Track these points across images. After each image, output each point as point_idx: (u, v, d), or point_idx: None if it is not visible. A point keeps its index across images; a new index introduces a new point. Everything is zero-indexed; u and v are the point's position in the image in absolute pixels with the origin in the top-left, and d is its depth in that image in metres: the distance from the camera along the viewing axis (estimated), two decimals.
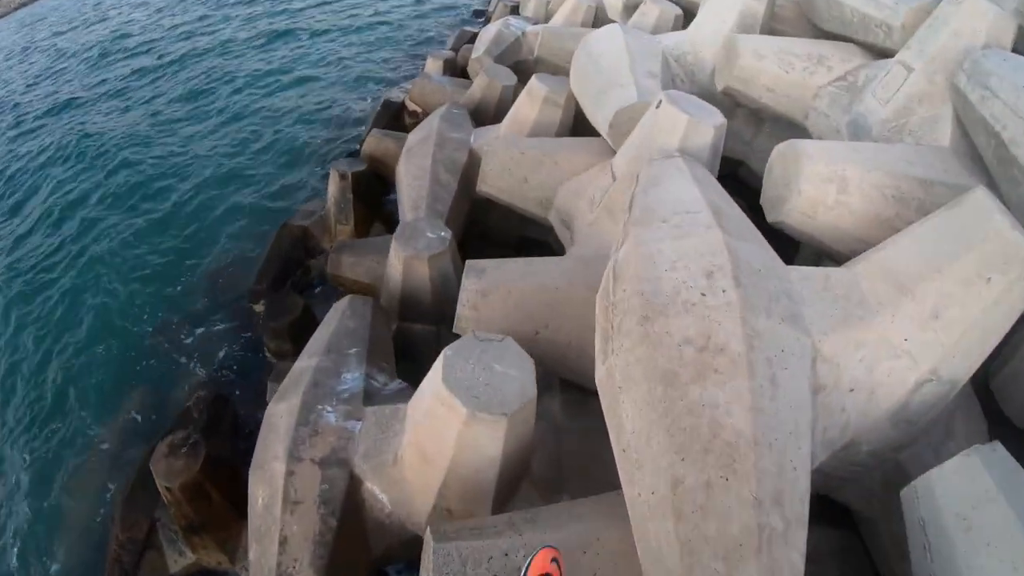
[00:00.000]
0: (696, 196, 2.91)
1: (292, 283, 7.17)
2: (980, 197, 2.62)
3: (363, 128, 8.71)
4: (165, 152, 9.21)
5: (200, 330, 6.78)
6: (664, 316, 2.40)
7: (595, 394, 2.69)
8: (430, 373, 2.97)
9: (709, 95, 4.97)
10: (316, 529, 3.05)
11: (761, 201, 3.55)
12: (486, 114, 6.65)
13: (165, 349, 6.74)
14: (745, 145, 5.08)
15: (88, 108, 10.98)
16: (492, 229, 5.88)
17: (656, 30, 6.02)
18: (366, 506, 3.21)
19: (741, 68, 4.27)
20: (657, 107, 3.79)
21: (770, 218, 3.40)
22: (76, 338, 6.80)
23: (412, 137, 5.88)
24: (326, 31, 13.15)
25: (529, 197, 4.86)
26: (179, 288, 7.15)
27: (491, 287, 3.61)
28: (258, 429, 3.77)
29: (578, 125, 5.55)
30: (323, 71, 10.90)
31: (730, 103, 4.78)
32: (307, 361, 3.89)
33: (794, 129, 4.57)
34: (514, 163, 4.77)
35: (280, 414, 3.45)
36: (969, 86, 3.27)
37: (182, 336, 6.76)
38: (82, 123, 10.41)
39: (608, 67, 4.53)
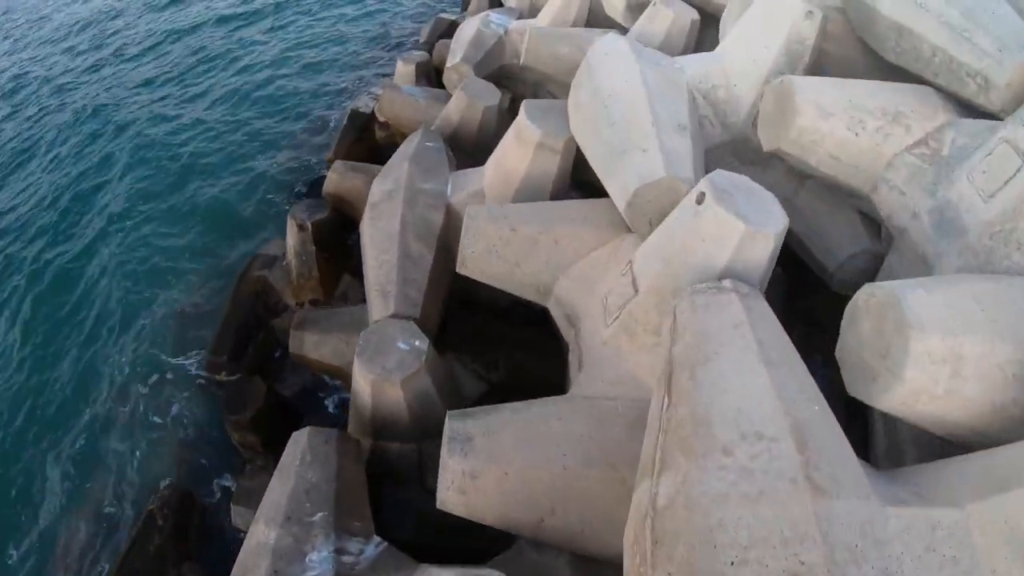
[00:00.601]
0: (772, 404, 1.94)
1: (255, 348, 6.23)
2: None
3: (329, 145, 7.53)
4: (88, 169, 8.03)
5: (155, 405, 5.88)
6: None
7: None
8: None
9: (743, 140, 3.90)
10: None
11: (842, 366, 2.56)
12: (466, 140, 5.52)
13: (119, 425, 5.89)
14: (784, 202, 4.02)
15: None
16: (479, 295, 4.89)
17: (668, 39, 4.84)
18: None
19: (800, 130, 3.17)
20: (698, 202, 2.76)
21: (854, 391, 2.44)
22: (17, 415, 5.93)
23: (377, 187, 4.79)
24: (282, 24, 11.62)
25: (523, 283, 3.84)
26: (124, 357, 6.19)
27: (481, 468, 2.68)
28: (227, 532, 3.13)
29: (580, 167, 4.47)
30: (281, 71, 9.49)
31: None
32: (263, 535, 3.05)
33: (851, 196, 3.59)
34: (503, 243, 3.74)
35: None
36: None
37: (135, 412, 5.88)
38: None
39: (623, 118, 3.42)
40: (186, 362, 6.16)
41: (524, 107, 4.27)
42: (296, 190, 7.12)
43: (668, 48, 4.85)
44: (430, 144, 5.09)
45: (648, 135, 3.29)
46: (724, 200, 2.70)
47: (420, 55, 6.99)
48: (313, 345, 4.99)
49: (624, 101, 3.51)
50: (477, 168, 4.63)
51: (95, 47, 11.66)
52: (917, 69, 3.48)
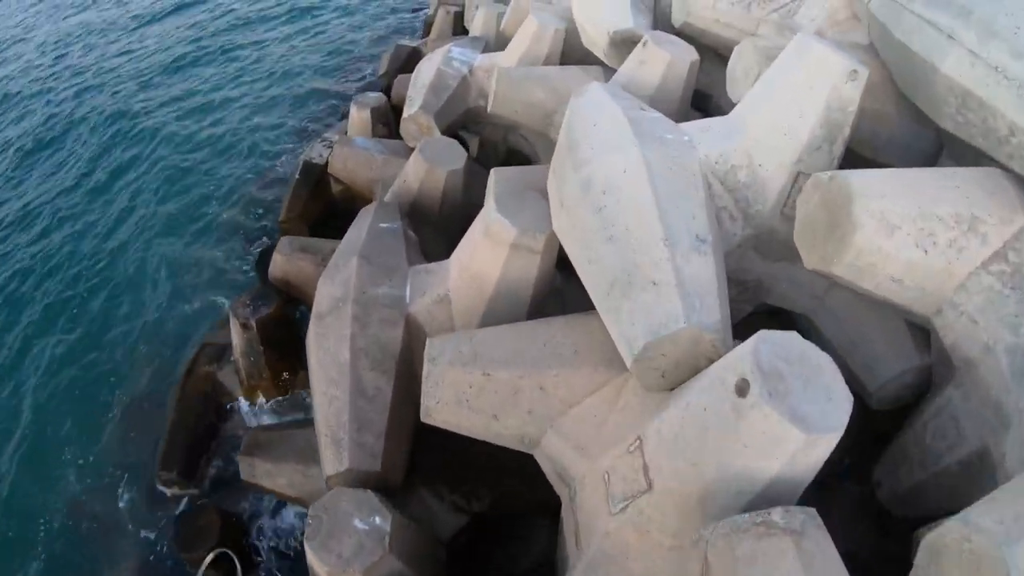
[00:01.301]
0: None
1: (207, 459, 5.35)
2: None
3: (277, 204, 6.57)
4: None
5: (100, 531, 5.02)
6: None
7: None
8: None
9: (769, 232, 3.02)
10: None
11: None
12: (429, 209, 4.60)
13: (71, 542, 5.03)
14: (814, 300, 3.18)
15: None
16: None
17: (664, 87, 3.92)
18: None
19: (859, 251, 2.30)
20: (739, 394, 1.90)
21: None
22: None
23: (323, 289, 3.88)
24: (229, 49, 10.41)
25: (504, 435, 2.97)
26: (67, 470, 5.31)
27: None
28: None
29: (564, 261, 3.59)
30: (228, 110, 8.43)
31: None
32: None
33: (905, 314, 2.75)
34: (475, 392, 2.86)
35: None
36: None
37: (79, 541, 5.02)
38: None
39: (624, 231, 2.51)
40: (133, 475, 5.30)
41: (492, 189, 3.36)
42: (244, 266, 6.15)
43: (663, 98, 3.93)
44: (385, 226, 4.17)
45: (659, 260, 2.41)
46: (775, 394, 1.86)
47: (375, 98, 6.01)
48: (266, 474, 4.15)
49: (624, 204, 2.61)
50: (441, 264, 3.73)
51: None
52: (984, 147, 2.63)
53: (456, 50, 5.62)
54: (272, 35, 10.86)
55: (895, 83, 3.29)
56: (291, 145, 7.55)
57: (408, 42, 8.10)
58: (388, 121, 6.04)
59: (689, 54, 3.94)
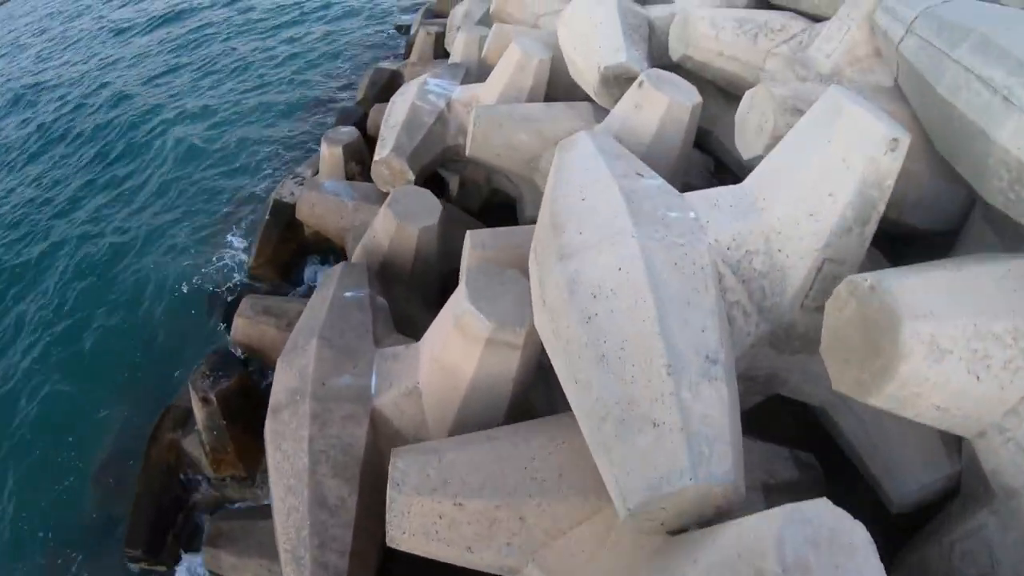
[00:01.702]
0: None
1: (174, 534, 4.90)
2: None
3: (247, 246, 6.09)
4: None
5: None
6: None
7: None
8: None
9: (787, 326, 2.54)
10: None
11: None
12: (400, 269, 4.12)
13: None
14: (834, 395, 2.68)
15: None
16: None
17: (662, 133, 3.43)
18: None
19: (904, 382, 1.76)
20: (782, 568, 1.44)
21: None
22: None
23: (280, 378, 3.38)
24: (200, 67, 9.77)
25: (481, 566, 2.53)
26: (21, 550, 4.86)
27: None
28: None
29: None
30: (196, 136, 7.92)
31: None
32: None
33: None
34: (445, 524, 2.40)
35: None
36: None
37: None
38: None
39: (620, 353, 2.02)
40: (100, 550, 4.87)
41: (465, 270, 2.89)
42: (210, 320, 5.66)
43: (661, 146, 3.45)
44: (350, 295, 3.69)
45: (661, 394, 1.94)
46: (808, 567, 1.40)
47: (347, 134, 5.51)
48: (231, 567, 3.74)
49: (619, 316, 2.13)
50: (411, 348, 3.26)
51: None
52: None
53: (433, 82, 5.12)
54: (250, 50, 10.30)
55: (926, 134, 2.83)
56: (263, 178, 7.01)
57: (388, 65, 7.58)
58: (363, 158, 5.55)
59: (691, 97, 3.45)
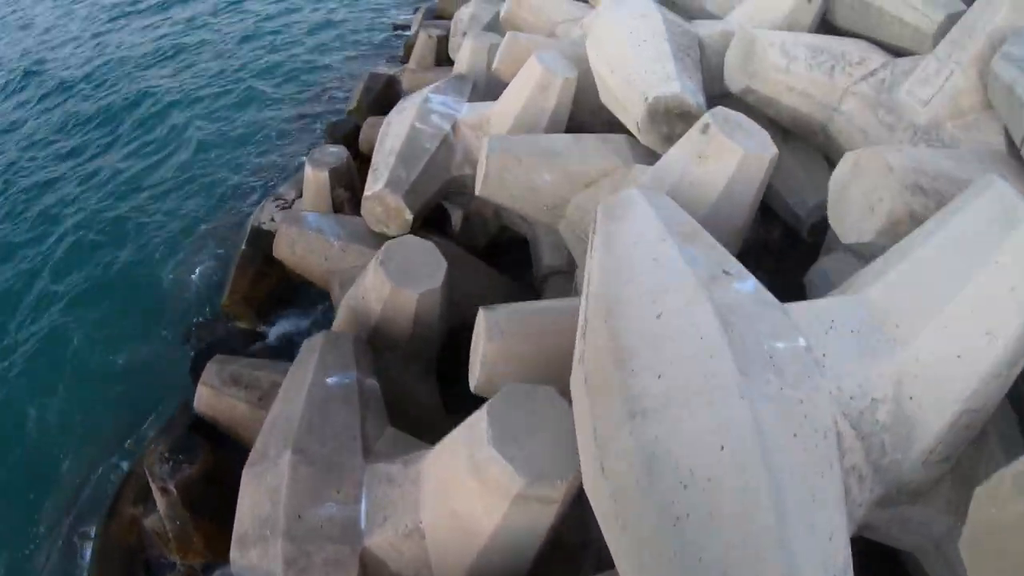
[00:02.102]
0: None
1: None
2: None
3: (221, 277, 5.25)
4: None
5: None
6: None
7: None
8: None
9: (899, 485, 1.81)
10: None
11: None
12: (398, 336, 3.34)
13: None
14: (928, 542, 2.02)
15: None
16: None
17: (731, 189, 2.66)
18: None
19: None
20: None
21: None
22: None
23: (247, 494, 2.64)
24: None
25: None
26: None
27: None
28: None
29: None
30: (170, 155, 6.93)
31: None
32: None
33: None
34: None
35: None
36: None
37: None
38: None
39: (718, 552, 1.30)
40: None
41: (486, 413, 2.12)
42: (176, 366, 4.80)
43: (728, 205, 2.70)
44: (333, 382, 2.92)
45: None
46: None
47: (335, 156, 4.69)
48: None
49: (723, 523, 1.40)
50: (410, 465, 2.51)
51: None
52: None
53: (435, 98, 4.31)
54: (234, 42, 9.32)
55: None
56: (240, 195, 6.11)
57: (384, 69, 6.72)
58: (352, 182, 4.74)
59: (766, 146, 2.70)
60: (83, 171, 6.89)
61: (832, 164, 3.69)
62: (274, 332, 4.94)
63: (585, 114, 4.22)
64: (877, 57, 3.25)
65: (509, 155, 3.37)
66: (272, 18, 10.39)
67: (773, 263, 3.83)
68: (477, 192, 3.49)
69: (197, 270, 5.39)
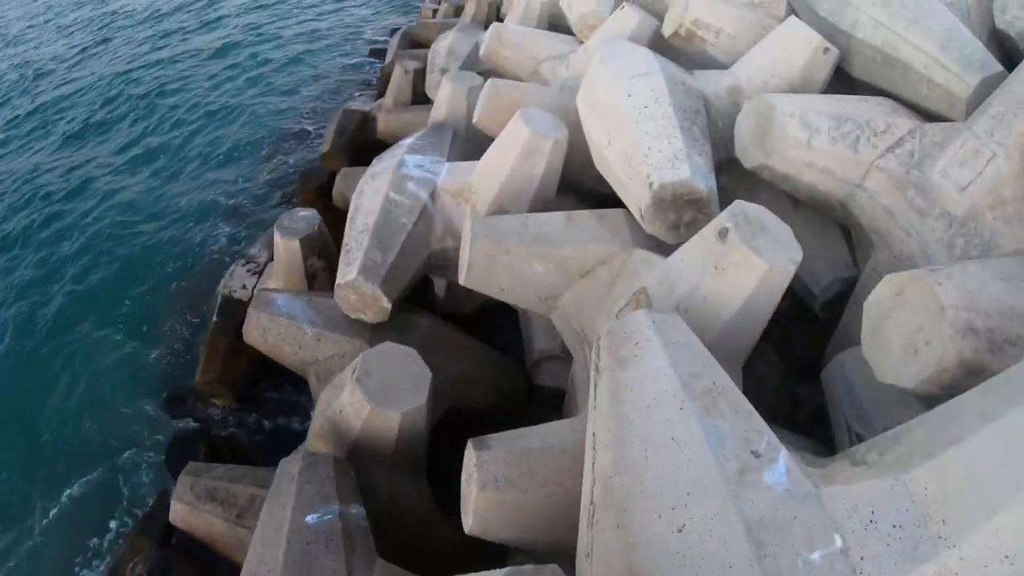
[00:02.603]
0: None
1: None
2: None
3: (194, 350, 4.80)
4: None
5: None
6: None
7: None
8: None
9: None
10: None
11: None
12: (381, 455, 2.89)
13: None
14: None
15: None
16: None
17: (751, 305, 2.21)
18: None
19: None
20: None
21: None
22: None
23: None
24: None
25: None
26: None
27: None
28: None
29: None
30: (131, 198, 6.45)
31: None
32: None
33: None
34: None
35: None
36: None
37: None
38: None
39: None
40: None
41: None
42: (149, 457, 4.40)
43: (745, 321, 2.27)
44: (313, 521, 2.51)
45: None
46: None
47: (305, 221, 4.18)
48: None
49: None
50: None
51: None
52: None
53: (412, 160, 3.84)
54: (204, 75, 8.63)
55: None
56: (207, 254, 5.54)
57: (359, 105, 6.19)
58: (326, 249, 4.28)
59: (792, 252, 2.28)
60: (57, 228, 6.35)
61: (849, 235, 3.35)
62: (255, 414, 4.52)
63: (575, 167, 3.79)
64: (904, 122, 2.82)
65: (495, 243, 2.93)
66: (242, 47, 9.72)
67: (782, 335, 3.46)
68: (461, 282, 3.06)
69: (170, 340, 4.91)
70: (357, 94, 7.31)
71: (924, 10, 2.97)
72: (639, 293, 2.67)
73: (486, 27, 6.21)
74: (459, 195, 3.68)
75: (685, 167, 2.63)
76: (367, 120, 5.89)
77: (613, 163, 2.99)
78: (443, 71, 5.22)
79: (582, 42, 4.76)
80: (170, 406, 4.72)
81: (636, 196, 2.80)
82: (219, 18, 11.06)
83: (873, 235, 2.86)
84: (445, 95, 4.61)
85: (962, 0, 3.46)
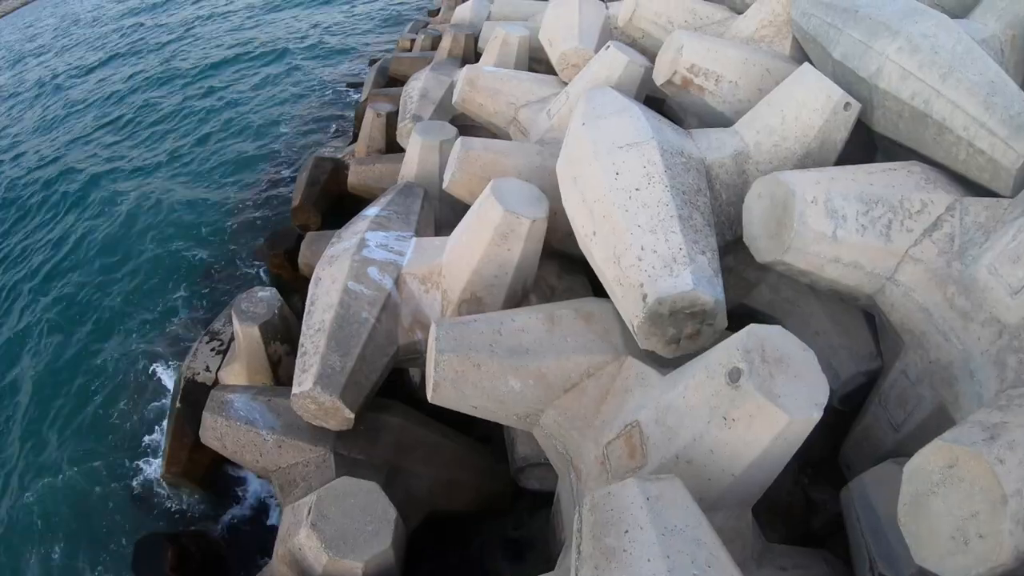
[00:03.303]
0: None
1: None
2: None
3: (160, 447, 4.32)
4: None
5: None
6: None
7: None
8: None
9: None
10: None
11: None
12: None
13: None
14: None
15: None
16: None
17: (765, 458, 1.73)
18: None
19: None
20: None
21: None
22: None
23: None
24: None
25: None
26: None
27: None
28: None
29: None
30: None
31: None
32: None
33: None
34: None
35: None
36: None
37: None
38: None
39: None
40: None
41: None
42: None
43: (757, 474, 1.82)
44: None
45: None
46: None
47: (266, 304, 3.66)
48: None
49: None
50: None
51: None
52: None
53: (375, 239, 3.33)
54: (170, 108, 8.02)
55: None
56: (166, 332, 4.98)
57: (330, 152, 5.67)
58: (288, 332, 3.79)
59: (819, 390, 1.79)
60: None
61: (872, 322, 2.84)
62: (226, 508, 4.08)
63: (559, 235, 3.28)
64: (941, 196, 2.30)
65: (463, 358, 2.43)
66: (217, 69, 9.17)
67: None
68: (429, 399, 2.59)
69: (128, 420, 4.42)
70: (333, 131, 6.77)
71: (960, 57, 2.43)
72: (632, 428, 2.18)
73: (463, 63, 5.70)
74: (427, 281, 3.19)
75: (686, 275, 2.13)
76: (339, 168, 5.39)
77: (600, 261, 2.48)
78: (415, 118, 4.71)
79: (565, 83, 4.25)
80: (133, 503, 4.29)
81: (627, 308, 2.30)
82: (168, 42, 10.45)
83: (905, 334, 2.35)
84: (415, 150, 4.10)
85: (994, 37, 2.94)
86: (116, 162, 7.27)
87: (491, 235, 2.89)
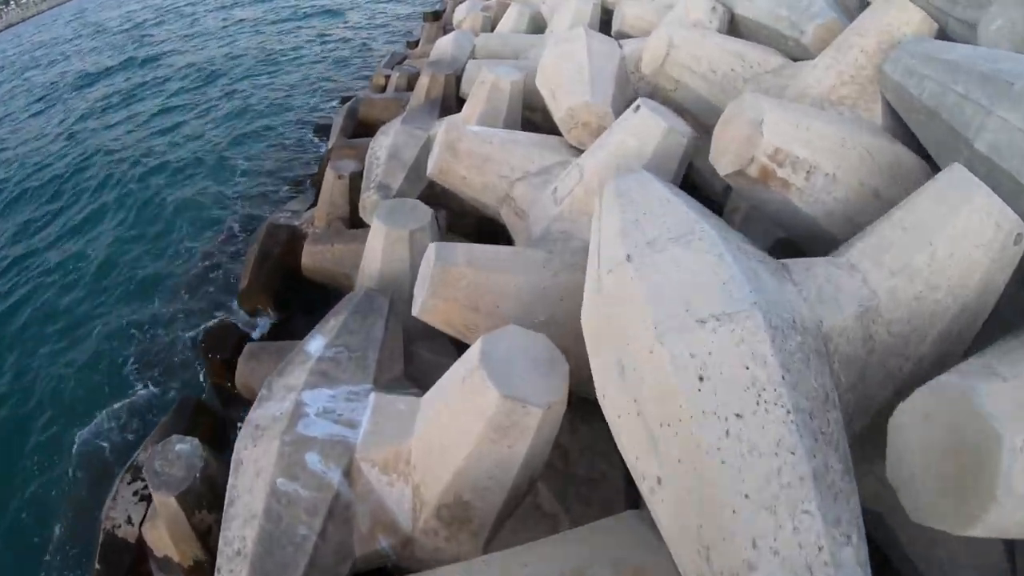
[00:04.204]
0: None
1: None
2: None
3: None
4: None
5: None
6: None
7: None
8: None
9: None
10: None
11: None
12: None
13: None
14: None
15: None
16: None
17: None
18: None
19: None
20: None
21: None
22: None
23: None
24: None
25: None
26: None
27: None
28: None
29: None
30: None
31: None
32: None
33: None
34: None
35: None
36: None
37: None
38: None
39: None
40: None
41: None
42: None
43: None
44: None
45: None
46: None
47: (185, 464, 2.60)
48: None
49: None
50: None
51: None
52: None
53: (315, 399, 2.25)
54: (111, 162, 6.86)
55: None
56: (89, 461, 3.82)
57: (286, 219, 4.54)
58: (219, 499, 2.78)
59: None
60: None
61: None
62: None
63: (577, 377, 2.27)
64: None
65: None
66: (169, 110, 7.99)
67: None
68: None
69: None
70: (291, 185, 5.66)
71: None
72: None
73: (443, 110, 4.62)
74: (391, 469, 2.15)
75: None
76: (296, 238, 4.33)
77: (672, 532, 1.42)
78: (380, 187, 3.65)
79: (572, 146, 3.20)
80: None
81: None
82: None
83: None
84: (379, 240, 3.03)
85: None
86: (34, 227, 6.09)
87: (483, 428, 1.85)
